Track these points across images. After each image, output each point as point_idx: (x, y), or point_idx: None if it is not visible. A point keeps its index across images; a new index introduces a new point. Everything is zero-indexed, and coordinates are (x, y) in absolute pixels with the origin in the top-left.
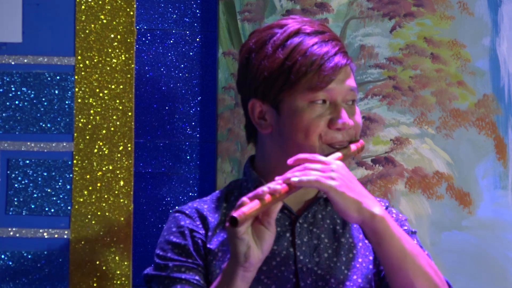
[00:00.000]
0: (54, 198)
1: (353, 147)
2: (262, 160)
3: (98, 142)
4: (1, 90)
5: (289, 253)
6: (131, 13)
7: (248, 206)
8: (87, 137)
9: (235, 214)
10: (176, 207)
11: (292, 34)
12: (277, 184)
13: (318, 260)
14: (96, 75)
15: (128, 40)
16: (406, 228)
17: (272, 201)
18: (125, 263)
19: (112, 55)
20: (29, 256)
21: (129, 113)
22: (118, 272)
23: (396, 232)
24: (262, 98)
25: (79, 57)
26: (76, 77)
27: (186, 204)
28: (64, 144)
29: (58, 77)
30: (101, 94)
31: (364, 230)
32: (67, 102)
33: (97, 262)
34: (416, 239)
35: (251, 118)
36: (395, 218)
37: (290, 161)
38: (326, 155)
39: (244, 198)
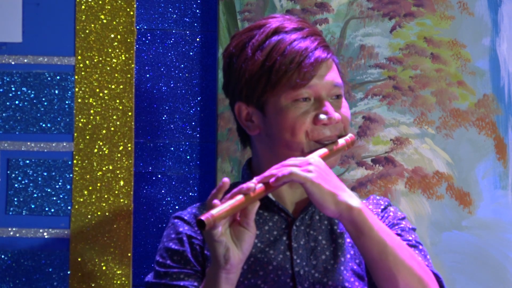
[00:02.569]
0: (54, 198)
1: (341, 141)
2: (256, 162)
3: (98, 142)
4: (1, 90)
5: (285, 257)
6: (131, 13)
7: (218, 208)
8: (87, 137)
9: (202, 217)
10: (176, 212)
11: (270, 34)
12: (250, 183)
13: (315, 263)
14: (96, 75)
15: (128, 40)
16: (403, 225)
17: (245, 202)
18: (125, 263)
19: (112, 55)
20: (29, 256)
21: (129, 113)
22: (118, 272)
23: (374, 224)
24: (247, 100)
25: (79, 57)
26: (76, 77)
27: (186, 209)
28: (64, 144)
29: (58, 77)
30: (101, 94)
31: (343, 224)
32: (67, 102)
33: (97, 262)
34: (414, 235)
35: (238, 121)
36: (392, 216)
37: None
38: (311, 152)
39: (215, 200)
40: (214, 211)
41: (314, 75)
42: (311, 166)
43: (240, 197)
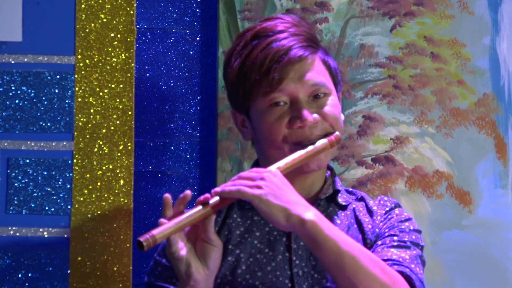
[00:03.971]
0: (54, 197)
1: (322, 141)
2: (260, 164)
3: (98, 141)
4: (1, 89)
5: (284, 257)
6: (131, 12)
7: (161, 227)
8: (87, 136)
9: (141, 238)
10: None
11: (248, 41)
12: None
13: (314, 263)
14: (96, 74)
15: (128, 39)
16: (403, 227)
17: (195, 218)
18: (125, 262)
19: (112, 54)
20: (29, 255)
21: (129, 112)
22: (118, 272)
23: (331, 235)
24: (236, 108)
25: (79, 56)
26: (76, 76)
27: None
28: (64, 143)
29: (58, 76)
30: (101, 93)
31: (299, 237)
32: (67, 101)
33: (97, 262)
34: (414, 236)
35: (236, 127)
36: (395, 219)
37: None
38: (289, 155)
39: (161, 219)
40: (155, 231)
41: (284, 78)
42: (262, 182)
43: (188, 214)
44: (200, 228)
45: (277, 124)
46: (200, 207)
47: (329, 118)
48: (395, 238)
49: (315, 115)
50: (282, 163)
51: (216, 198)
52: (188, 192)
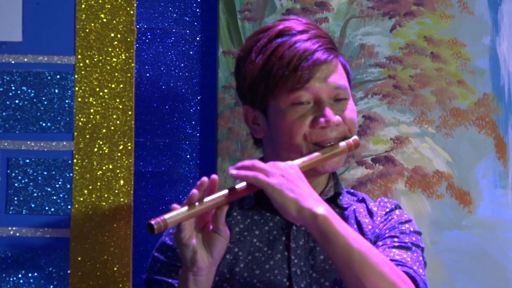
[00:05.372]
0: (54, 197)
1: (341, 144)
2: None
3: (98, 141)
4: (1, 89)
5: (283, 256)
6: (131, 12)
7: (173, 212)
8: (87, 136)
9: (152, 221)
10: None
11: (272, 38)
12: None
13: (313, 263)
14: (96, 74)
15: (128, 39)
16: (404, 228)
17: (206, 208)
18: (125, 262)
19: (112, 54)
20: (29, 255)
21: (129, 112)
22: (118, 272)
23: (341, 231)
24: (252, 104)
25: (79, 56)
26: (76, 76)
27: None
28: (64, 143)
29: (58, 76)
30: (101, 93)
31: (309, 230)
32: (67, 101)
33: (97, 261)
34: (414, 238)
35: (246, 124)
36: (395, 220)
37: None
38: (306, 154)
39: (174, 204)
40: (167, 216)
41: (311, 77)
42: (277, 171)
43: (201, 202)
44: (211, 217)
45: (299, 122)
46: (213, 196)
47: (348, 122)
48: (396, 239)
49: (338, 117)
50: (299, 161)
51: (226, 191)
52: (205, 178)
